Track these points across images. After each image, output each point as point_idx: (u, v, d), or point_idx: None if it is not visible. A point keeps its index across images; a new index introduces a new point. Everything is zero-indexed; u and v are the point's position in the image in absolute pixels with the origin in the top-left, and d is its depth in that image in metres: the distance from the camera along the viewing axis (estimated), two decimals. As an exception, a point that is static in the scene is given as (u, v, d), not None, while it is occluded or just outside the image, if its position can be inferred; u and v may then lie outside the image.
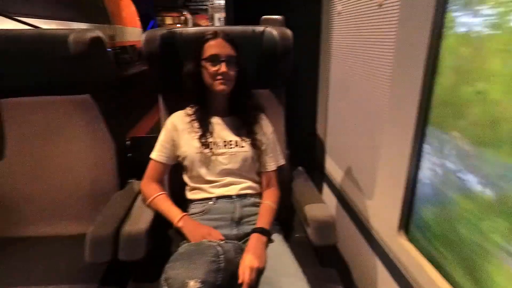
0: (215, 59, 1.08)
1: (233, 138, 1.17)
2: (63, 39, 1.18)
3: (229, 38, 1.12)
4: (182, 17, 12.42)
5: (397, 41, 0.93)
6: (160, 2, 11.13)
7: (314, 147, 1.73)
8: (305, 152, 1.69)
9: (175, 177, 1.27)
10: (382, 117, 1.04)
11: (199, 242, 0.95)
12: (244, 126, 1.19)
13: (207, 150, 1.12)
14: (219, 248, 0.92)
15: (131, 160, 1.47)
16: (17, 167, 1.31)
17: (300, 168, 1.47)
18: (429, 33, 0.77)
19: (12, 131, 1.31)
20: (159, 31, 1.18)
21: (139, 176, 1.22)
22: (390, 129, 1.00)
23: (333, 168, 1.56)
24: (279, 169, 1.27)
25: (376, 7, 1.03)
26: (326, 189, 1.63)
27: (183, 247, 0.96)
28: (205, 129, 1.15)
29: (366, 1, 1.11)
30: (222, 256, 0.90)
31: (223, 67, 1.07)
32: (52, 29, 1.23)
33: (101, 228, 1.03)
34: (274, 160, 1.24)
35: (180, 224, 1.07)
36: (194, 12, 13.19)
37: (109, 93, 1.36)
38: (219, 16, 11.36)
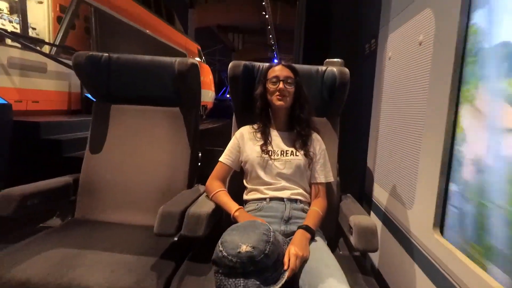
0: (275, 80, 1.32)
1: (289, 148, 1.35)
2: (170, 64, 1.56)
3: (287, 64, 1.37)
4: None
5: (430, 82, 1.13)
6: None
7: (364, 177, 1.83)
8: (355, 181, 1.79)
9: (232, 186, 1.46)
10: (421, 143, 1.21)
11: (253, 220, 1.09)
12: (299, 139, 1.36)
13: (266, 156, 1.31)
14: (270, 227, 1.04)
15: (200, 169, 1.70)
16: (109, 160, 1.61)
17: (349, 194, 1.57)
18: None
19: (112, 130, 1.65)
20: (243, 62, 1.49)
21: (205, 182, 1.42)
22: (428, 150, 1.14)
23: (380, 193, 1.66)
24: (329, 190, 1.40)
25: (416, 52, 1.25)
26: (373, 215, 1.69)
27: (239, 223, 1.10)
28: (266, 139, 1.35)
29: (407, 49, 1.34)
30: (272, 233, 1.01)
31: (280, 85, 1.30)
32: (161, 57, 1.60)
33: (171, 207, 1.21)
34: (324, 174, 1.36)
35: (236, 214, 1.22)
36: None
37: (194, 110, 1.66)
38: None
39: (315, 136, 1.41)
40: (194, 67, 1.54)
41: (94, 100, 1.69)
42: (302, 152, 1.34)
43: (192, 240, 1.36)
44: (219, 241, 0.99)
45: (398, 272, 1.37)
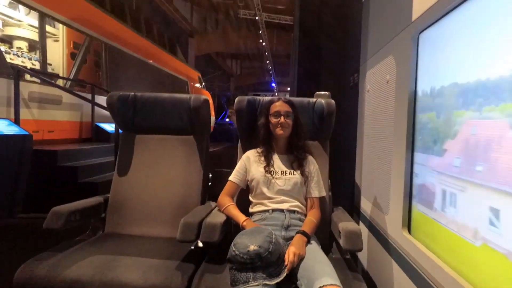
0: (277, 114, 1.62)
1: (288, 169, 1.62)
2: (186, 100, 1.87)
3: (287, 100, 1.66)
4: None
5: (395, 113, 1.44)
6: (232, 99, 13.30)
7: (353, 192, 2.11)
8: (346, 196, 2.07)
9: (239, 201, 1.72)
10: (391, 161, 1.49)
11: (258, 226, 1.36)
12: (296, 161, 1.64)
13: (269, 175, 1.59)
14: (272, 231, 1.30)
15: (211, 188, 1.97)
16: (134, 181, 1.89)
17: (340, 207, 1.83)
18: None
19: (136, 156, 1.94)
20: (246, 97, 1.80)
21: (215, 200, 1.68)
22: (396, 166, 1.43)
23: (366, 205, 1.94)
24: (323, 203, 1.66)
25: (386, 86, 1.57)
26: (361, 224, 1.94)
27: (247, 229, 1.36)
28: (268, 162, 1.63)
29: (379, 84, 1.66)
30: (274, 236, 1.27)
31: (282, 119, 1.59)
32: (178, 94, 1.92)
33: (190, 218, 1.47)
34: (318, 189, 1.63)
35: (244, 224, 1.48)
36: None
37: (205, 138, 1.95)
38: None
39: (310, 158, 1.69)
40: (206, 102, 1.86)
41: (110, 131, 1.99)
42: (298, 171, 1.61)
43: (207, 247, 1.61)
44: (232, 243, 1.25)
45: (380, 268, 1.64)
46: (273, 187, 1.58)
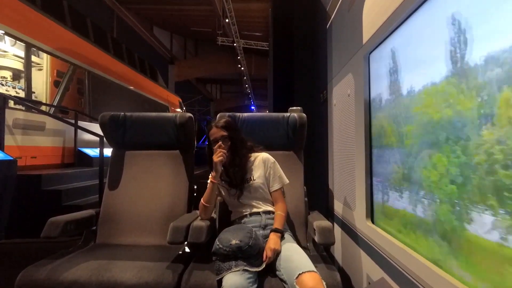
0: (214, 141, 1.68)
1: (246, 177, 1.74)
2: (172, 117, 2.05)
3: (221, 125, 1.70)
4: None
5: (355, 122, 1.68)
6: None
7: (327, 196, 2.31)
8: (321, 200, 2.26)
9: (222, 210, 1.88)
10: (355, 163, 1.71)
11: (240, 224, 1.52)
12: (247, 171, 1.73)
13: (234, 191, 1.70)
14: (252, 228, 1.47)
15: (196, 198, 2.12)
16: (125, 194, 2.02)
17: (316, 211, 2.01)
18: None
19: (127, 171, 2.08)
20: (227, 113, 1.99)
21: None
22: (359, 169, 1.65)
23: (338, 206, 2.13)
24: (299, 208, 1.83)
25: (347, 99, 1.81)
26: (335, 225, 2.13)
27: (230, 227, 1.52)
28: (230, 181, 1.72)
29: (343, 98, 1.90)
30: (253, 232, 1.44)
31: (218, 144, 1.66)
32: (165, 113, 2.09)
33: (179, 222, 1.61)
34: (277, 182, 1.73)
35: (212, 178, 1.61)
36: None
37: (190, 152, 2.13)
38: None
39: (258, 159, 1.76)
40: (191, 119, 2.05)
41: (111, 148, 2.14)
42: (253, 177, 1.72)
43: (194, 250, 1.75)
44: (216, 239, 1.42)
45: (351, 259, 1.82)
46: (242, 199, 1.71)
